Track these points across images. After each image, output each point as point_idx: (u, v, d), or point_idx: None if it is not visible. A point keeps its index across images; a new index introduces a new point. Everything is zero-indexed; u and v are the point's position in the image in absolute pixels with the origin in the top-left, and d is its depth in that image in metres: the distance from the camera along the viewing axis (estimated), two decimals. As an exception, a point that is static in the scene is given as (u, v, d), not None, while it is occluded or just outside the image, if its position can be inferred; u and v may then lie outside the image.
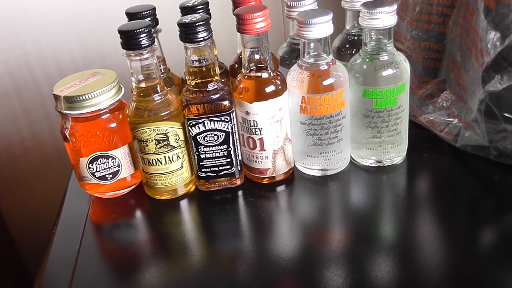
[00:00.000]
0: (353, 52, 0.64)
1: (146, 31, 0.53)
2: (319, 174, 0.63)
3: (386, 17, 0.55)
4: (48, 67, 0.95)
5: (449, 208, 0.57)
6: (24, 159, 1.04)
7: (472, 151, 0.62)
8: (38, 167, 1.05)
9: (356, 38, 0.64)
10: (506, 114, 0.55)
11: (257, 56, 0.57)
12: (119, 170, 0.61)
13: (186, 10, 0.60)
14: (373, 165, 0.64)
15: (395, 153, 0.63)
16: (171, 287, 0.52)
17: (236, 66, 0.65)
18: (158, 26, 0.62)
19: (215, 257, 0.56)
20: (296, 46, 0.64)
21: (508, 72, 0.54)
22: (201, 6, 0.60)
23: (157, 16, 0.61)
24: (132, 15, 0.59)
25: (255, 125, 0.58)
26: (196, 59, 0.56)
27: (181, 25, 0.54)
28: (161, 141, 0.58)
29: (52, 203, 1.07)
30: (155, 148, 0.58)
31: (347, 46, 0.65)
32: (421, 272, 0.49)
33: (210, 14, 0.61)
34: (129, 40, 0.54)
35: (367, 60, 0.58)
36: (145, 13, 0.59)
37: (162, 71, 0.64)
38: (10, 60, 0.95)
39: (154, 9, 0.61)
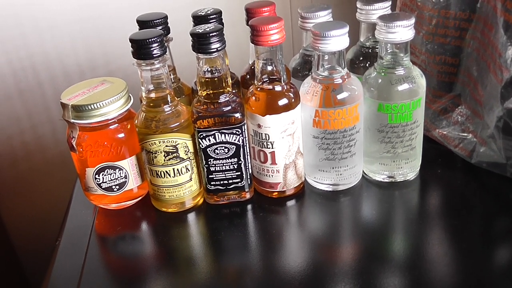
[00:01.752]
0: (367, 65, 0.63)
1: (158, 40, 0.52)
2: (330, 189, 0.62)
3: (404, 31, 0.54)
4: (53, 70, 0.94)
5: (464, 226, 0.55)
6: (26, 163, 1.02)
7: (488, 167, 0.60)
8: (40, 171, 1.04)
9: (370, 50, 0.63)
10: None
11: (270, 68, 0.56)
12: (126, 181, 0.60)
13: (198, 19, 0.58)
14: (385, 180, 0.62)
15: (409, 168, 0.61)
16: None
17: (248, 77, 0.63)
18: (169, 35, 0.60)
19: (222, 273, 0.55)
20: (309, 57, 0.63)
21: (528, 90, 0.52)
22: (214, 16, 0.58)
23: (168, 25, 0.60)
24: (143, 23, 0.58)
25: (267, 138, 0.57)
26: (208, 69, 0.55)
27: (194, 35, 0.53)
28: (170, 153, 0.56)
29: (53, 207, 1.06)
30: (164, 160, 0.57)
31: (361, 58, 0.63)
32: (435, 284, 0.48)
33: (222, 24, 0.60)
34: (141, 49, 0.52)
35: (383, 74, 0.57)
36: (156, 21, 0.58)
37: (173, 80, 0.62)
38: (15, 62, 0.93)
39: (166, 17, 0.59)
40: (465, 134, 0.63)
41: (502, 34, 0.54)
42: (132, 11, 0.92)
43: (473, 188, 0.61)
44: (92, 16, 0.92)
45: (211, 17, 0.58)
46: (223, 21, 0.60)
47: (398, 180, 0.62)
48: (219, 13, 0.59)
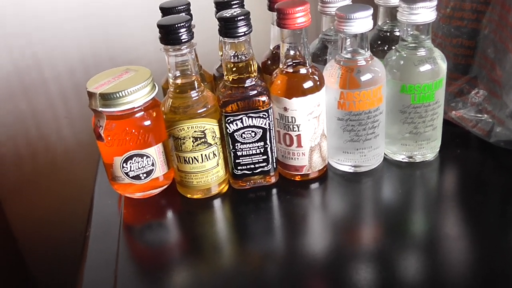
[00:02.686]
0: (385, 48, 0.64)
1: (186, 25, 0.53)
2: (353, 170, 0.63)
3: (426, 12, 0.55)
4: (57, 67, 0.94)
5: (482, 205, 0.57)
6: (31, 161, 1.02)
7: (506, 146, 0.62)
8: (45, 170, 1.03)
9: (388, 34, 0.64)
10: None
11: (295, 51, 0.56)
12: (153, 169, 0.60)
13: (221, 5, 0.59)
14: (404, 160, 0.63)
15: (429, 149, 0.63)
16: (207, 285, 0.51)
17: (269, 62, 0.64)
18: (192, 22, 0.60)
19: (249, 256, 0.55)
20: (329, 42, 0.64)
21: (549, 67, 0.54)
22: (237, 1, 0.59)
23: (191, 12, 0.60)
24: (167, 10, 0.58)
25: (293, 121, 0.58)
26: (235, 54, 0.55)
27: (221, 19, 0.53)
28: (198, 139, 0.57)
29: (58, 207, 1.06)
30: (192, 146, 0.57)
31: (379, 42, 0.64)
32: (452, 269, 0.49)
33: (244, 7, 0.61)
34: (169, 34, 0.53)
35: (405, 55, 0.58)
36: (179, 8, 0.58)
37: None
38: (18, 59, 0.93)
39: (188, 4, 0.60)
40: (482, 115, 0.65)
41: (520, 14, 0.56)
42: (137, 7, 0.92)
43: (491, 167, 0.63)
44: (96, 13, 0.91)
45: (233, 2, 0.59)
46: (244, 6, 0.60)
47: (418, 161, 0.63)
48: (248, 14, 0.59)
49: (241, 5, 0.60)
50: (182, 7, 0.58)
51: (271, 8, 0.60)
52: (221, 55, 0.62)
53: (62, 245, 1.04)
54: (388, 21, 0.64)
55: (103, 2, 0.92)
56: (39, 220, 1.07)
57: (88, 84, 0.58)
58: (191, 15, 0.60)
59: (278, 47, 0.63)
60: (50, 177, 1.03)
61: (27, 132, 0.99)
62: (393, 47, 0.61)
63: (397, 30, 0.63)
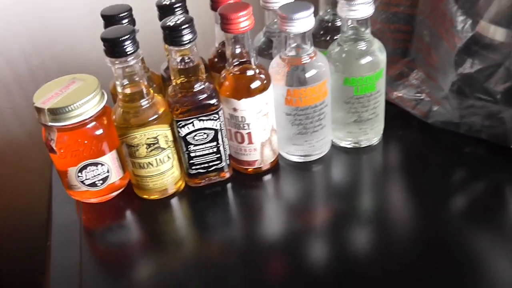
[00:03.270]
0: (327, 38, 0.66)
1: (131, 37, 0.53)
2: (303, 160, 0.66)
3: (364, 8, 0.57)
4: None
5: (424, 181, 0.62)
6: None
7: (443, 126, 0.66)
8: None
9: (330, 24, 0.66)
10: (478, 95, 0.59)
11: (240, 53, 0.57)
12: (108, 175, 0.61)
13: (164, 8, 0.59)
14: (350, 146, 0.67)
15: (373, 134, 0.66)
16: (171, 278, 0.55)
17: (216, 60, 0.65)
18: (135, 27, 0.60)
19: (210, 247, 0.59)
20: (273, 36, 0.65)
21: (479, 56, 0.57)
22: (179, 4, 0.59)
23: (133, 16, 0.60)
24: (109, 18, 0.57)
25: (243, 121, 0.60)
26: (181, 59, 0.56)
27: (165, 28, 0.54)
28: (151, 145, 0.58)
29: (9, 189, 1.04)
30: (146, 152, 0.58)
31: (321, 32, 0.66)
32: (399, 239, 0.56)
33: (187, 11, 0.61)
34: (114, 47, 0.52)
35: (346, 49, 0.60)
36: (122, 15, 0.57)
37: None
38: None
39: (130, 9, 0.59)
40: (421, 95, 0.68)
41: (453, 4, 0.58)
42: None
43: (430, 146, 0.67)
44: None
45: (176, 5, 0.59)
46: (187, 8, 0.60)
47: (363, 146, 0.67)
48: (183, 0, 0.60)
49: (184, 7, 0.60)
50: (124, 14, 0.58)
51: (213, 8, 0.60)
52: (168, 55, 0.62)
53: (18, 237, 1.04)
54: (329, 10, 0.66)
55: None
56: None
57: (35, 98, 0.57)
58: (133, 20, 0.60)
59: (223, 44, 0.63)
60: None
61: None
62: (335, 39, 0.63)
63: (339, 20, 0.65)
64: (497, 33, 0.57)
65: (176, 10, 0.59)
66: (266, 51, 0.66)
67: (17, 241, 1.03)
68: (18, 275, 1.06)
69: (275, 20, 0.64)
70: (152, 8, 0.61)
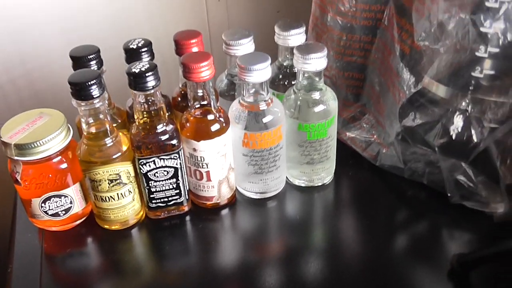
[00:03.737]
0: (286, 83, 0.70)
1: (97, 82, 0.56)
2: (258, 197, 0.70)
3: (318, 62, 0.62)
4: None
5: (371, 218, 0.67)
6: None
7: (389, 169, 0.71)
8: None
9: (288, 70, 0.70)
10: (419, 145, 0.64)
11: (201, 98, 0.61)
12: (71, 206, 0.64)
13: (130, 52, 0.62)
14: (304, 185, 0.71)
15: (325, 173, 0.71)
16: None
17: (179, 99, 0.69)
18: (103, 67, 0.64)
19: (166, 275, 0.62)
20: (234, 79, 0.69)
21: (421, 111, 0.63)
22: (145, 49, 0.62)
23: (101, 57, 0.63)
24: (77, 59, 0.61)
25: (202, 160, 0.63)
26: (145, 101, 0.59)
27: (130, 74, 0.57)
28: (114, 180, 0.61)
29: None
30: (108, 187, 0.61)
31: (280, 77, 0.70)
32: (346, 270, 0.61)
33: (153, 54, 0.64)
34: (81, 91, 0.56)
35: (300, 97, 0.65)
36: (90, 57, 0.61)
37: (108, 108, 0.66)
38: None
39: (98, 51, 0.62)
40: (371, 138, 0.73)
41: (398, 61, 0.64)
42: (46, 9, 0.92)
43: (378, 187, 0.72)
44: (5, 17, 0.90)
45: (142, 50, 0.62)
46: (153, 51, 0.64)
47: (317, 184, 0.71)
48: (149, 45, 0.63)
49: (150, 51, 0.63)
50: (92, 56, 0.61)
51: (177, 53, 0.64)
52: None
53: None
54: (287, 56, 0.70)
55: (12, 9, 0.90)
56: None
57: (2, 131, 0.60)
58: (101, 61, 0.63)
59: (186, 84, 0.67)
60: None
61: None
62: (293, 83, 0.67)
63: (295, 66, 0.69)
64: (439, 90, 0.62)
65: (142, 53, 0.62)
66: (227, 93, 0.70)
67: None
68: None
69: (236, 66, 0.68)
70: (119, 44, 0.64)
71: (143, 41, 0.63)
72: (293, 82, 0.69)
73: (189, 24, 1.01)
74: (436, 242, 0.64)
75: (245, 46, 0.66)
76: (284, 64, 0.70)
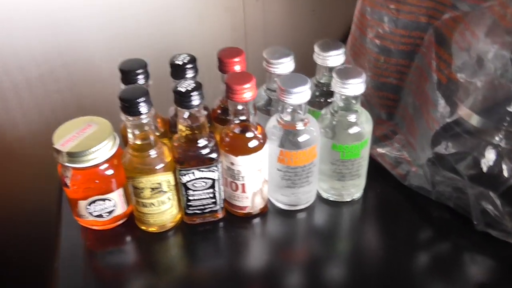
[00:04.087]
0: (322, 100, 0.72)
1: (146, 100, 0.59)
2: (288, 208, 0.73)
3: (356, 87, 0.64)
4: (7, 63, 0.96)
5: (395, 236, 0.70)
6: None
7: (417, 189, 0.73)
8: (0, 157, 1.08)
9: (325, 88, 0.72)
10: (449, 172, 0.66)
11: (242, 116, 0.64)
12: (114, 209, 0.68)
13: (176, 67, 0.65)
14: (333, 199, 0.74)
15: (355, 190, 0.73)
16: None
17: (219, 112, 0.72)
18: (149, 80, 0.67)
19: (197, 277, 0.67)
20: (273, 95, 0.72)
21: (453, 141, 0.64)
22: (191, 66, 0.65)
23: (148, 71, 0.66)
24: (126, 73, 0.64)
25: (239, 174, 0.67)
26: (188, 117, 0.63)
27: (176, 92, 0.60)
28: (155, 189, 0.65)
29: (10, 189, 1.11)
30: (150, 194, 0.65)
31: (317, 94, 0.73)
32: (367, 283, 0.65)
33: (197, 70, 0.67)
34: (130, 107, 0.59)
35: (336, 118, 0.67)
36: (138, 71, 0.64)
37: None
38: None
39: (146, 65, 0.65)
40: (401, 156, 0.75)
41: (435, 89, 0.65)
42: (86, 5, 0.95)
43: (404, 205, 0.75)
44: (46, 13, 0.94)
45: (187, 66, 0.65)
46: (197, 68, 0.67)
47: (346, 200, 0.74)
48: (194, 61, 0.66)
49: (195, 68, 0.66)
50: (141, 70, 0.64)
51: (220, 69, 0.67)
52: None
53: (16, 225, 1.12)
54: (325, 74, 0.72)
55: (54, 3, 0.94)
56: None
57: (54, 139, 0.64)
58: (148, 75, 0.66)
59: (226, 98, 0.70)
60: (4, 162, 1.08)
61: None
62: (329, 101, 0.69)
63: (333, 85, 0.71)
64: (474, 121, 0.64)
65: (187, 69, 0.65)
66: (265, 107, 0.72)
67: (26, 233, 1.10)
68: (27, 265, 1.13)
69: (275, 79, 0.71)
70: (165, 57, 0.67)
71: (188, 57, 0.66)
72: (329, 100, 0.71)
73: (225, 23, 1.04)
74: (457, 264, 0.66)
75: (285, 65, 0.68)
76: (322, 81, 0.73)
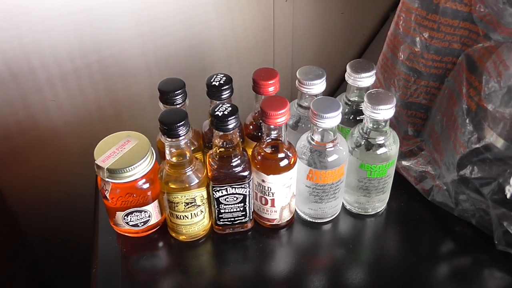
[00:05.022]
0: (351, 118, 0.74)
1: (185, 123, 0.62)
2: (314, 221, 0.76)
3: (386, 112, 0.66)
4: (44, 58, 0.99)
5: (416, 251, 0.73)
6: (20, 137, 1.10)
7: (440, 205, 0.76)
8: (33, 145, 1.12)
9: (354, 107, 0.74)
10: (473, 193, 0.69)
11: (275, 136, 0.67)
12: (149, 219, 0.71)
13: (212, 88, 0.67)
14: (357, 212, 0.77)
15: (379, 204, 0.76)
16: None
17: (251, 128, 0.74)
18: (186, 100, 0.69)
19: (224, 283, 0.71)
20: (303, 114, 0.74)
21: (479, 166, 0.66)
22: (227, 86, 0.67)
23: (186, 91, 0.68)
24: (165, 94, 0.67)
25: (269, 190, 0.70)
26: (223, 141, 0.65)
27: (214, 116, 0.63)
28: (189, 203, 0.68)
29: (45, 175, 1.16)
30: (184, 208, 0.69)
31: (346, 111, 0.74)
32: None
33: (233, 90, 0.69)
34: (169, 131, 0.62)
35: (364, 139, 0.69)
36: (177, 92, 0.66)
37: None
38: (8, 51, 0.97)
39: (183, 85, 0.68)
40: (425, 172, 0.78)
41: (463, 114, 0.67)
42: (122, 2, 0.97)
43: (426, 219, 0.77)
44: (83, 9, 0.96)
45: (224, 87, 0.67)
46: (233, 87, 0.69)
47: (370, 213, 0.77)
48: (230, 82, 0.68)
49: (231, 88, 0.68)
50: (179, 91, 0.67)
51: (254, 89, 0.69)
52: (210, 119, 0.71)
53: (53, 208, 1.17)
54: (356, 91, 0.74)
55: (92, 1, 0.96)
56: (28, 186, 1.17)
57: (95, 155, 0.67)
58: (186, 94, 0.69)
59: (259, 114, 0.72)
60: (38, 150, 1.12)
61: (16, 113, 1.06)
62: (358, 119, 0.71)
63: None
64: (501, 146, 0.65)
65: (224, 90, 0.67)
66: (295, 124, 0.75)
67: (63, 228, 1.16)
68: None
69: (307, 97, 0.73)
70: (199, 70, 0.69)
71: (225, 78, 0.68)
72: (358, 118, 0.73)
73: (255, 22, 1.05)
74: (477, 280, 0.70)
75: (318, 86, 0.70)
76: (351, 99, 0.74)
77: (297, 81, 0.72)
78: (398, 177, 0.80)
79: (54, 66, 1.02)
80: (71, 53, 1.02)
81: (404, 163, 0.80)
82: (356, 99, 0.74)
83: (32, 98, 1.05)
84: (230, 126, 0.63)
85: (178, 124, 0.61)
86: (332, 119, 0.64)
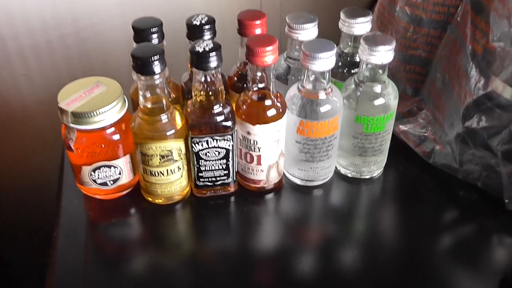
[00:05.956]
0: (345, 71, 0.68)
1: (160, 58, 0.55)
2: (304, 184, 0.69)
3: (385, 55, 0.60)
4: (15, 27, 0.92)
5: (417, 216, 0.66)
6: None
7: (442, 168, 0.69)
8: (2, 123, 1.04)
9: (348, 59, 0.68)
10: (480, 148, 0.62)
11: (262, 83, 0.60)
12: (120, 177, 0.64)
13: (192, 28, 0.61)
14: (352, 175, 0.70)
15: (376, 167, 0.69)
16: (166, 277, 0.59)
17: (236, 79, 0.67)
18: (163, 41, 0.62)
19: (205, 253, 0.63)
20: (293, 64, 0.67)
21: (487, 114, 0.60)
22: (208, 26, 0.61)
23: (163, 31, 0.62)
24: (140, 32, 0.60)
25: (255, 144, 0.62)
26: (204, 81, 0.58)
27: (194, 53, 0.56)
28: (165, 156, 0.61)
29: (19, 157, 1.08)
30: (159, 162, 0.61)
31: (340, 64, 0.68)
32: (384, 264, 0.60)
33: (216, 32, 0.62)
34: (143, 66, 0.55)
35: (361, 89, 0.63)
36: (153, 30, 0.59)
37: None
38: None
39: (161, 24, 0.61)
40: (425, 134, 0.71)
41: (469, 60, 0.61)
42: None
43: (427, 184, 0.71)
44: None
45: (205, 27, 0.60)
46: (216, 29, 0.62)
47: (366, 177, 0.70)
48: (213, 22, 0.61)
49: (213, 28, 0.62)
50: (155, 29, 0.60)
51: (240, 32, 0.63)
52: (190, 70, 0.64)
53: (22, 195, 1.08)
54: (350, 43, 0.68)
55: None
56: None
57: (59, 98, 0.59)
58: (163, 35, 0.62)
59: (244, 64, 0.65)
60: (7, 131, 1.04)
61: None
62: (352, 72, 0.65)
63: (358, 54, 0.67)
64: (510, 94, 0.59)
65: (205, 30, 0.61)
66: (283, 76, 0.68)
67: (26, 201, 1.07)
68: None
69: (297, 47, 0.67)
70: (181, 19, 0.63)
71: (206, 18, 0.61)
72: (352, 71, 0.67)
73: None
74: (484, 248, 0.62)
75: (309, 31, 0.64)
76: (345, 51, 0.68)
77: (286, 27, 0.65)
78: (396, 141, 0.73)
79: (25, 36, 0.95)
80: (44, 22, 0.95)
81: (402, 127, 0.73)
82: (350, 51, 0.68)
83: (0, 72, 0.97)
84: (212, 64, 0.56)
85: (153, 59, 0.54)
86: (325, 60, 0.58)
